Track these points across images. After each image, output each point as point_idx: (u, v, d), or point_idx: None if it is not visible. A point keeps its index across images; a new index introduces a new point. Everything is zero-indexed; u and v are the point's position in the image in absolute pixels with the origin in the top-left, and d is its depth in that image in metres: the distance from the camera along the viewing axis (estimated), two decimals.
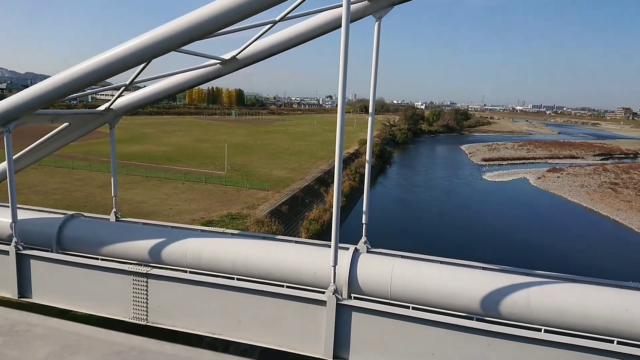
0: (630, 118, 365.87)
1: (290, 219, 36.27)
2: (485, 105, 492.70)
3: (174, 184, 42.14)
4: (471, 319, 7.88)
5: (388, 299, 8.67)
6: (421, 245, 33.35)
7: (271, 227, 30.93)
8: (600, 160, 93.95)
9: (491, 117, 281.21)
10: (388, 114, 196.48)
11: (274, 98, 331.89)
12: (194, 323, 8.32)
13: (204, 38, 6.89)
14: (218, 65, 9.04)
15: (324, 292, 7.68)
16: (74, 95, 8.34)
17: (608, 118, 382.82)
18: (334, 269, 7.34)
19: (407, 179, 68.39)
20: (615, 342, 7.41)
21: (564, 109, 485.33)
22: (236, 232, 11.31)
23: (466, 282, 8.22)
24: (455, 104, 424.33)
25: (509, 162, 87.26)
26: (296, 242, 10.12)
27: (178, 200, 36.35)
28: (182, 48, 7.32)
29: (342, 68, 6.73)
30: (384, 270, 8.69)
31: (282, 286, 9.00)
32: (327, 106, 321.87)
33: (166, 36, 6.64)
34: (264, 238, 10.33)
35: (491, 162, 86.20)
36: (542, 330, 7.61)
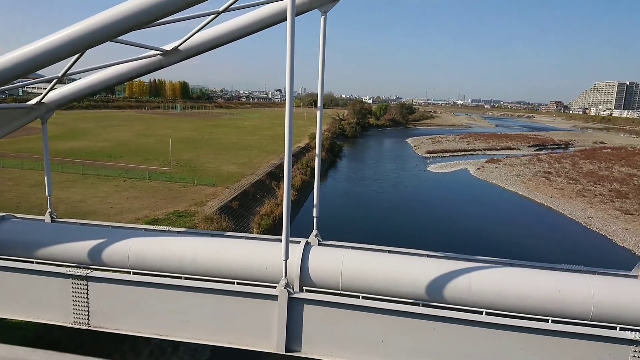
0: (562, 111, 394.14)
1: (241, 214, 35.77)
2: (428, 99, 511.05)
3: (115, 181, 40.14)
4: (418, 305, 8.19)
5: (339, 290, 8.83)
6: (372, 236, 34.18)
7: (221, 223, 30.34)
8: (534, 150, 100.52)
9: (434, 111, 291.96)
10: (337, 108, 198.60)
11: (221, 91, 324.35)
12: (139, 325, 8.03)
13: (142, 27, 6.58)
14: (159, 56, 8.69)
15: (275, 287, 7.67)
16: (1, 88, 7.70)
17: (542, 111, 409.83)
18: (285, 263, 7.35)
19: (357, 172, 69.59)
20: (550, 321, 8.00)
21: (501, 102, 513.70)
22: (183, 230, 11.00)
23: (412, 269, 8.55)
24: (401, 98, 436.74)
25: (451, 154, 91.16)
26: (247, 237, 10.02)
27: (119, 198, 34.69)
28: (119, 38, 6.96)
29: (288, 62, 6.69)
30: (335, 262, 8.84)
31: (233, 283, 8.90)
32: (276, 100, 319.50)
33: (101, 25, 6.26)
34: (212, 235, 10.14)
35: (435, 155, 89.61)
36: (484, 313, 8.06)
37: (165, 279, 8.25)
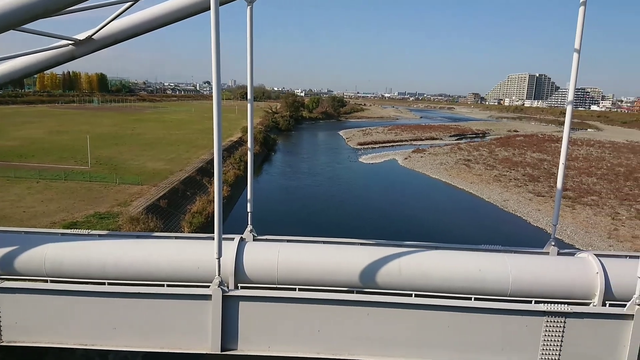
0: (479, 102, 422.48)
1: (171, 213, 34.32)
2: (358, 92, 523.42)
3: (27, 183, 36.61)
4: (352, 292, 8.42)
5: (276, 284, 8.82)
6: (309, 229, 34.47)
7: (148, 224, 28.88)
8: (455, 140, 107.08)
9: (364, 104, 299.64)
10: (270, 101, 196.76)
11: (144, 83, 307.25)
12: (61, 336, 7.46)
13: (50, 15, 6.02)
14: (71, 46, 8.03)
15: (209, 286, 7.49)
16: None
17: (461, 102, 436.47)
18: (219, 261, 7.19)
19: (292, 166, 69.66)
20: (472, 298, 8.61)
21: (425, 95, 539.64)
22: (104, 232, 10.34)
23: (346, 258, 8.77)
24: (332, 91, 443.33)
25: (381, 145, 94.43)
26: (176, 237, 9.66)
27: (33, 201, 31.73)
28: (24, 27, 6.31)
29: (214, 53, 6.50)
30: (270, 256, 8.81)
31: (163, 285, 8.55)
32: (205, 93, 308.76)
33: (1, 12, 5.64)
34: (138, 237, 9.66)
35: (366, 146, 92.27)
36: (413, 295, 8.49)
37: (87, 285, 7.72)
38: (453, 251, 9.55)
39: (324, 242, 9.55)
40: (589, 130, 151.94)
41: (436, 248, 9.67)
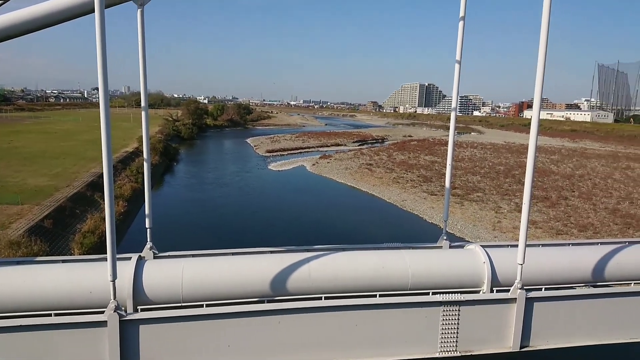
0: (377, 110, 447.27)
1: (58, 235, 30.81)
2: (264, 100, 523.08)
3: None
4: (263, 302, 8.28)
5: (181, 302, 8.34)
6: (219, 242, 33.33)
7: (31, 248, 25.57)
8: (358, 145, 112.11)
9: (271, 112, 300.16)
10: (170, 108, 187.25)
11: (22, 91, 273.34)
12: None
13: None
14: None
15: (104, 312, 6.82)
16: None
17: (362, 110, 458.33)
18: (113, 284, 6.60)
19: (198, 177, 67.01)
20: (377, 295, 8.99)
21: (328, 103, 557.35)
22: None
23: (255, 268, 8.61)
24: (237, 98, 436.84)
25: (289, 152, 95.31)
26: (64, 260, 8.66)
27: None
28: None
29: (99, 58, 5.99)
30: (174, 273, 8.31)
31: (50, 315, 7.61)
32: (94, 100, 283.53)
33: None
34: (18, 263, 8.48)
35: (274, 154, 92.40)
36: (323, 298, 8.61)
37: None
38: (359, 251, 9.90)
39: (232, 254, 9.28)
40: (472, 133, 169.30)
41: (343, 250, 9.94)
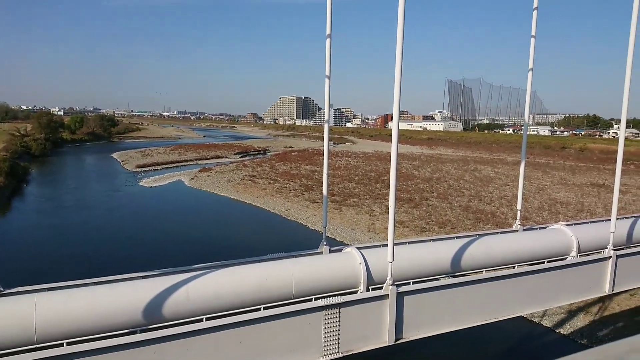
0: (258, 121, 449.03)
1: None
2: (132, 111, 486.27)
3: None
4: (135, 332, 7.58)
5: (35, 344, 7.20)
6: (86, 274, 29.59)
7: None
8: (240, 157, 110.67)
9: (141, 124, 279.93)
10: (17, 122, 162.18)
11: None
12: None
13: None
14: None
15: None
16: None
17: (242, 122, 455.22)
18: None
19: (55, 199, 59.02)
20: (262, 308, 8.88)
21: (206, 114, 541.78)
22: None
23: (124, 296, 7.83)
24: (100, 109, 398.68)
25: (164, 166, 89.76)
26: None
27: None
28: None
29: None
30: (24, 310, 7.15)
31: None
32: None
33: None
34: None
35: (147, 168, 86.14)
36: (204, 319, 8.21)
37: None
38: (241, 266, 9.70)
39: (96, 283, 8.32)
40: (346, 143, 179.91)
41: (225, 266, 9.64)
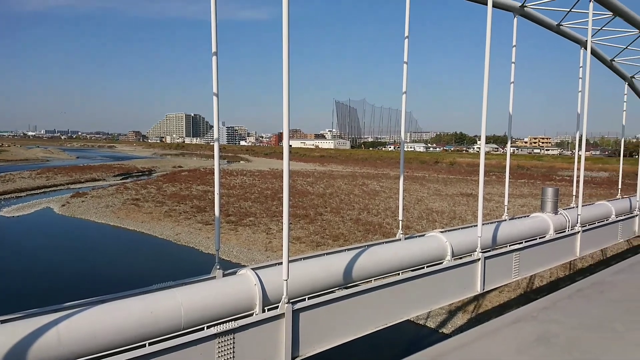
0: (141, 140, 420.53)
1: None
2: None
3: None
4: None
5: None
6: None
7: None
8: (121, 179, 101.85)
9: (0, 145, 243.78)
10: None
11: None
12: None
13: None
14: None
15: None
16: None
17: (122, 141, 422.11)
18: None
19: None
20: (147, 344, 8.08)
21: (79, 133, 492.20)
22: None
23: None
24: None
25: (28, 192, 78.81)
26: None
27: None
28: None
29: None
30: None
31: None
32: None
33: None
34: None
35: (7, 196, 74.75)
36: None
37: None
38: (122, 300, 8.77)
39: None
40: (241, 162, 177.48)
41: (103, 301, 8.63)
